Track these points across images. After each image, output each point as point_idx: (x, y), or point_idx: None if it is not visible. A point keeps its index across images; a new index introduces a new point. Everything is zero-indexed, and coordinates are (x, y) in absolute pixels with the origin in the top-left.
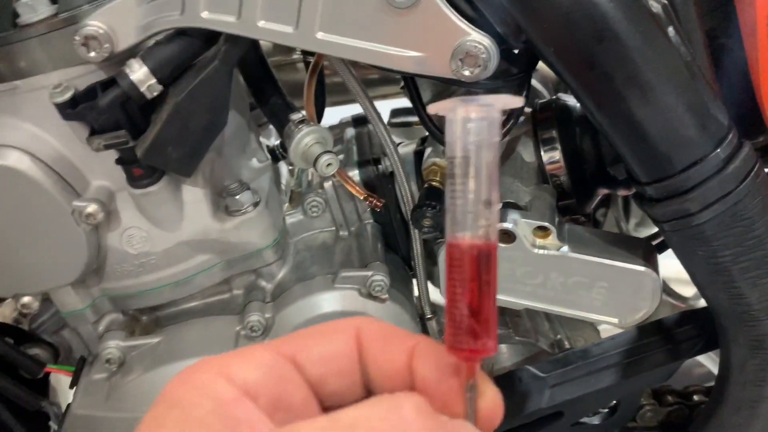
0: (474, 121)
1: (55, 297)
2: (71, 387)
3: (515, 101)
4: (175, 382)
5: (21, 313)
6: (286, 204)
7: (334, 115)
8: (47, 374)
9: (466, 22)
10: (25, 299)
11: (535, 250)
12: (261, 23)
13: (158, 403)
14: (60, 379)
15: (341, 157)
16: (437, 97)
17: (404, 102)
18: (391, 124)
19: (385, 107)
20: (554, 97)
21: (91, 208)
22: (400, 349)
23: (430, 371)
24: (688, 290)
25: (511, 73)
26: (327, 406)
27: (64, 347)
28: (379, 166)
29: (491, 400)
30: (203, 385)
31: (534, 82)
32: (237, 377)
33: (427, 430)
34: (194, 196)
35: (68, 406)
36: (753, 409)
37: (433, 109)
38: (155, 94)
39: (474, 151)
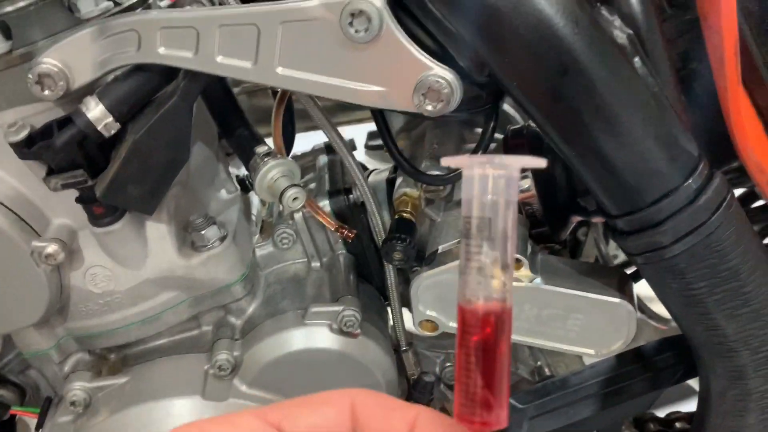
0: (494, 181)
1: (18, 338)
2: (37, 429)
3: (538, 162)
4: None
5: None
6: (257, 235)
7: (308, 140)
8: (13, 416)
9: (427, 56)
10: None
11: None
12: (219, 58)
13: None
14: (26, 421)
15: (313, 185)
16: (407, 126)
17: None
18: (368, 147)
19: (362, 130)
20: (526, 123)
21: (51, 248)
22: (399, 420)
23: None
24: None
25: (478, 105)
26: None
27: (31, 387)
28: (351, 196)
29: None
30: None
31: (506, 107)
32: None
33: None
34: (158, 232)
35: None
36: None
37: (447, 162)
38: (112, 132)
39: (493, 211)
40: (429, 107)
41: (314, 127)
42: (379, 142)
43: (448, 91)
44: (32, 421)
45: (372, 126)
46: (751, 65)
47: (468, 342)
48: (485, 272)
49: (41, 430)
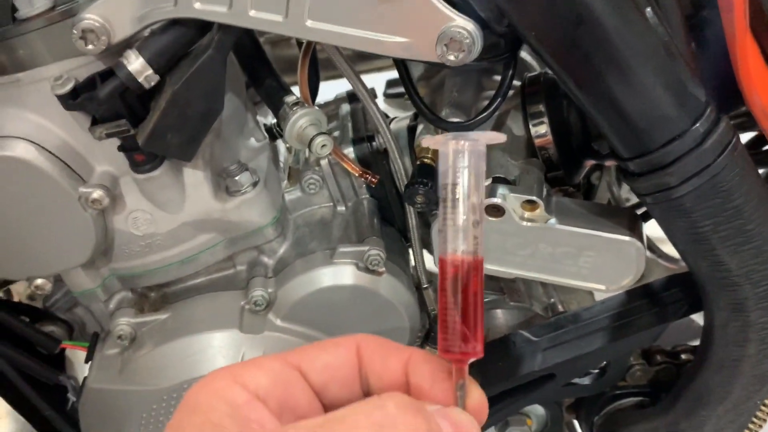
0: (464, 153)
1: (67, 278)
2: (86, 362)
3: (498, 137)
4: (194, 389)
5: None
6: (285, 181)
7: (329, 89)
8: (63, 349)
9: (450, 8)
10: (38, 281)
11: (524, 223)
12: (252, 12)
13: (180, 409)
14: (76, 354)
15: (336, 134)
16: (426, 74)
17: None
18: (387, 95)
19: (380, 79)
20: (543, 70)
21: (97, 193)
22: (397, 360)
23: (423, 377)
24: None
25: (497, 54)
26: (331, 409)
27: (78, 324)
28: (374, 143)
29: (478, 399)
30: (220, 390)
31: (524, 54)
32: (249, 383)
33: (408, 423)
34: (195, 178)
35: (85, 379)
36: (735, 368)
37: (426, 143)
38: (152, 84)
39: (464, 178)
40: (451, 57)
41: (333, 77)
42: (398, 90)
43: (470, 42)
44: (79, 356)
45: (389, 74)
46: (759, 12)
47: (447, 287)
48: (460, 229)
49: (90, 362)
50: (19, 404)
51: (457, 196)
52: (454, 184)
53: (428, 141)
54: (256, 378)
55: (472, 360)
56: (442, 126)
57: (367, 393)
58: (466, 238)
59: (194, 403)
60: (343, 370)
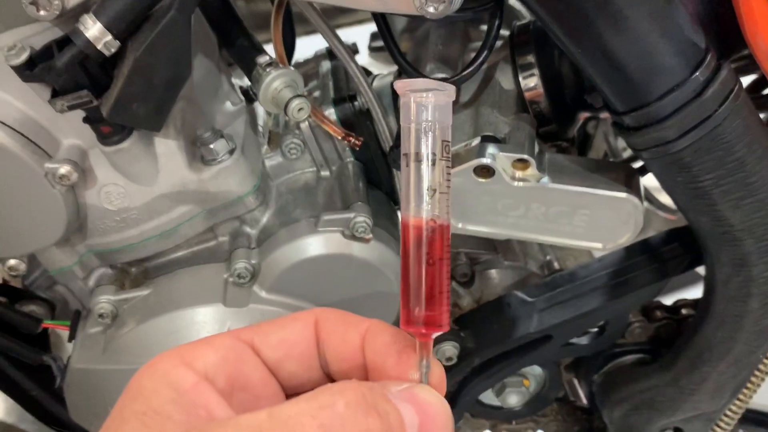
0: (428, 107)
1: (42, 257)
2: (69, 341)
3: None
4: (139, 372)
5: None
6: (265, 146)
7: (309, 45)
8: (46, 329)
9: None
10: (11, 262)
11: (515, 183)
12: None
13: (123, 395)
14: (62, 332)
15: (317, 93)
16: (409, 27)
17: None
18: (372, 49)
19: (364, 31)
20: (533, 19)
21: (64, 169)
22: (354, 332)
23: (379, 349)
24: None
25: (482, 3)
26: (287, 386)
27: (60, 302)
28: (356, 103)
29: (438, 375)
30: (164, 373)
31: (512, 1)
32: (197, 363)
33: (359, 424)
34: (167, 148)
35: (69, 358)
36: (737, 323)
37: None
38: (113, 50)
39: (429, 134)
40: (430, 9)
41: (313, 31)
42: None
43: None
44: (63, 334)
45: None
46: None
47: (410, 253)
48: (424, 191)
49: (73, 341)
50: (5, 385)
51: (421, 154)
52: (418, 140)
53: (396, 84)
54: (205, 356)
55: (437, 334)
56: None
57: (325, 368)
58: (431, 201)
59: (137, 388)
60: (300, 346)
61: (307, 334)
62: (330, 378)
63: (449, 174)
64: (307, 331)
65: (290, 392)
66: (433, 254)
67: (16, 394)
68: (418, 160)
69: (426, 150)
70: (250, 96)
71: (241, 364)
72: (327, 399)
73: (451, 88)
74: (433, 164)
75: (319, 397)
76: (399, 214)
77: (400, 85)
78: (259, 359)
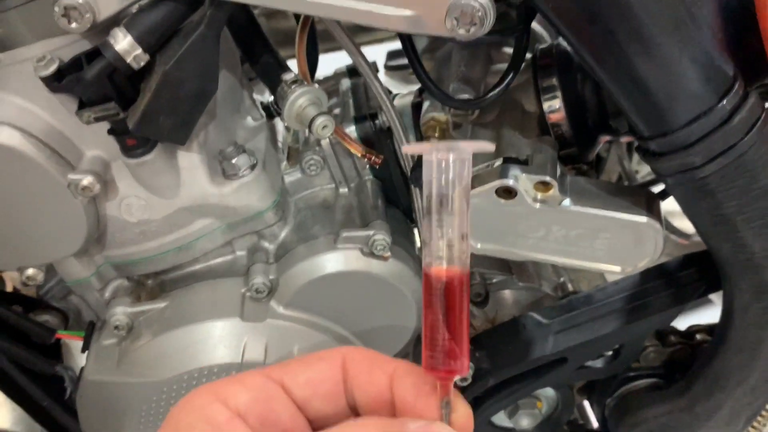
0: (448, 163)
1: (59, 267)
2: (83, 351)
3: (486, 147)
4: (177, 407)
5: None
6: (284, 162)
7: (328, 63)
8: (59, 339)
9: None
10: (30, 271)
11: (537, 205)
12: None
13: (163, 428)
14: (73, 342)
15: (337, 111)
16: (431, 47)
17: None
18: (388, 67)
19: (381, 50)
20: (555, 42)
21: (87, 180)
22: (382, 372)
23: (408, 391)
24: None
25: (510, 26)
26: (315, 422)
27: (73, 312)
28: (377, 121)
29: (464, 415)
30: (200, 408)
31: (534, 24)
32: (230, 400)
33: None
34: (190, 162)
35: (82, 369)
36: (755, 350)
37: (409, 150)
38: (142, 64)
39: (451, 190)
40: (462, 31)
41: (332, 49)
42: (399, 62)
43: (482, 14)
44: (76, 345)
45: (391, 45)
46: None
47: (432, 302)
48: (445, 242)
49: (87, 352)
50: (15, 395)
51: (442, 208)
52: (440, 195)
53: (409, 148)
54: (237, 394)
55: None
56: (449, 103)
57: (353, 407)
58: (452, 251)
59: (175, 422)
60: (327, 385)
61: (334, 374)
62: (357, 415)
63: (468, 227)
64: (334, 370)
65: (318, 428)
66: (454, 302)
67: (27, 404)
68: (440, 209)
69: (448, 201)
70: (270, 111)
71: (271, 402)
72: (355, 428)
73: (487, 146)
74: (451, 216)
75: (349, 427)
76: (416, 232)
77: (425, 147)
78: (288, 398)
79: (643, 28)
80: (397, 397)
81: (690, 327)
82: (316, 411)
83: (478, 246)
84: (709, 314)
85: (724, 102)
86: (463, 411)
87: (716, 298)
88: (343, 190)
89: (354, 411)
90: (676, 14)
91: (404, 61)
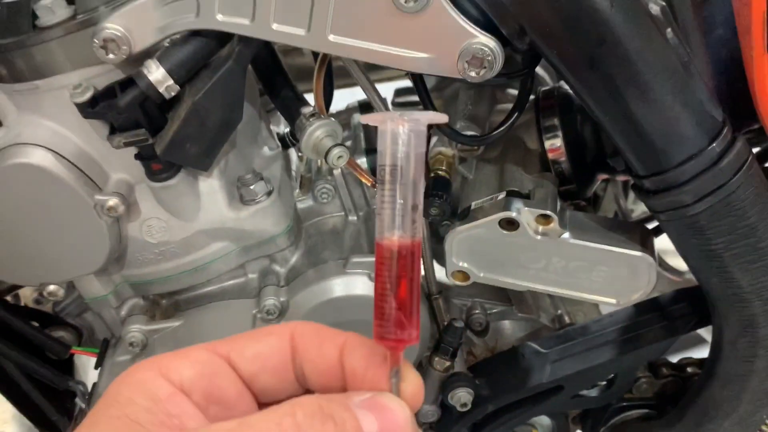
0: (403, 134)
1: (79, 284)
2: (96, 368)
3: (440, 118)
4: (117, 380)
5: (40, 295)
6: (297, 190)
7: (339, 98)
8: (72, 355)
9: (472, 24)
10: (51, 287)
11: (538, 237)
12: (274, 26)
13: (100, 401)
14: (82, 359)
15: (349, 143)
16: (439, 86)
17: (408, 81)
18: (395, 104)
19: (389, 87)
20: (556, 84)
21: (112, 201)
22: (332, 345)
23: (358, 362)
24: (684, 263)
25: (517, 70)
26: (262, 399)
27: (87, 329)
28: None
29: (413, 383)
30: (142, 383)
31: (537, 68)
32: (174, 375)
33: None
34: (210, 187)
35: (94, 384)
36: (743, 383)
37: (365, 120)
38: (173, 94)
39: (403, 160)
40: (472, 73)
41: (345, 86)
42: (406, 99)
43: (491, 58)
44: (88, 362)
45: (398, 83)
46: None
47: (383, 272)
48: (397, 212)
49: (100, 368)
50: (26, 408)
51: (395, 178)
52: (393, 166)
53: (366, 118)
54: (181, 369)
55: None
56: (457, 139)
57: (302, 381)
58: (404, 221)
59: (114, 395)
60: (275, 359)
61: (281, 348)
62: (308, 391)
63: (422, 196)
64: (281, 344)
65: (265, 402)
66: (404, 271)
67: (36, 417)
68: (393, 180)
69: (400, 172)
70: (285, 142)
71: (216, 378)
72: (287, 409)
73: (440, 117)
74: (404, 186)
75: (281, 408)
76: (421, 261)
77: (379, 117)
78: (234, 373)
79: (639, 75)
80: (348, 369)
81: (681, 360)
82: (264, 386)
83: (481, 275)
84: (702, 352)
85: (714, 145)
86: (412, 380)
87: (707, 334)
88: (353, 217)
89: (303, 386)
90: (670, 63)
91: (411, 98)
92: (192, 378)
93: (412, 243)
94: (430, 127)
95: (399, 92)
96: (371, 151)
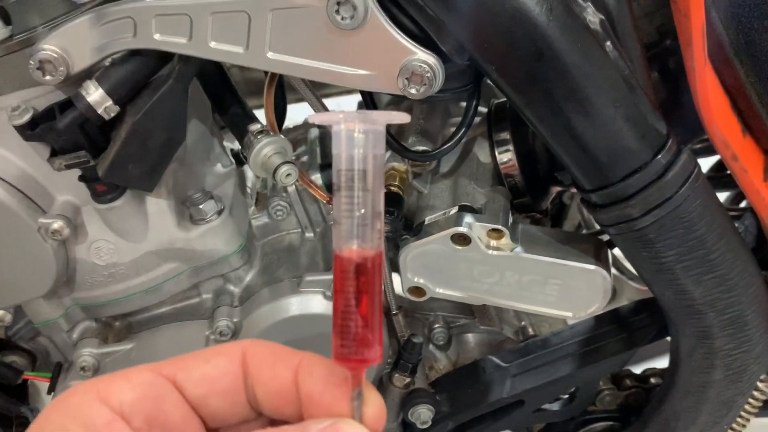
0: (361, 135)
1: (28, 308)
2: (49, 393)
3: (401, 117)
4: (49, 407)
5: None
6: (252, 207)
7: (300, 112)
8: (26, 380)
9: (411, 41)
10: None
11: (490, 252)
12: (212, 44)
13: (29, 428)
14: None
15: (305, 158)
16: (394, 101)
17: None
18: None
19: (352, 101)
20: None
21: (57, 224)
22: (286, 366)
23: (315, 384)
24: None
25: (461, 85)
26: (211, 424)
27: (41, 353)
28: None
29: (376, 406)
30: (77, 408)
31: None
32: (113, 398)
33: None
34: (158, 207)
35: None
36: (701, 393)
37: (316, 120)
38: (112, 115)
39: (362, 163)
40: (413, 90)
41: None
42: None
43: (431, 75)
44: (43, 386)
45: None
46: (719, 45)
47: (344, 287)
48: (357, 221)
49: (53, 393)
50: None
51: (353, 184)
52: (350, 170)
53: (318, 117)
54: (122, 392)
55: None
56: (405, 155)
57: (254, 405)
58: (365, 231)
59: (45, 422)
60: (225, 381)
61: (232, 369)
62: (261, 416)
63: (383, 203)
64: (232, 365)
65: (214, 427)
66: (368, 285)
67: None
68: (352, 187)
69: (359, 177)
70: (240, 159)
71: (160, 401)
72: None
73: (402, 116)
74: (364, 192)
75: None
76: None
77: (333, 117)
78: (180, 396)
79: (579, 89)
80: (304, 392)
81: (645, 370)
82: (213, 410)
83: (437, 290)
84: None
85: (659, 157)
86: (375, 402)
87: None
88: (309, 234)
89: (256, 409)
90: (610, 76)
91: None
92: (133, 402)
93: (375, 254)
94: (388, 127)
95: (361, 106)
96: (327, 166)
